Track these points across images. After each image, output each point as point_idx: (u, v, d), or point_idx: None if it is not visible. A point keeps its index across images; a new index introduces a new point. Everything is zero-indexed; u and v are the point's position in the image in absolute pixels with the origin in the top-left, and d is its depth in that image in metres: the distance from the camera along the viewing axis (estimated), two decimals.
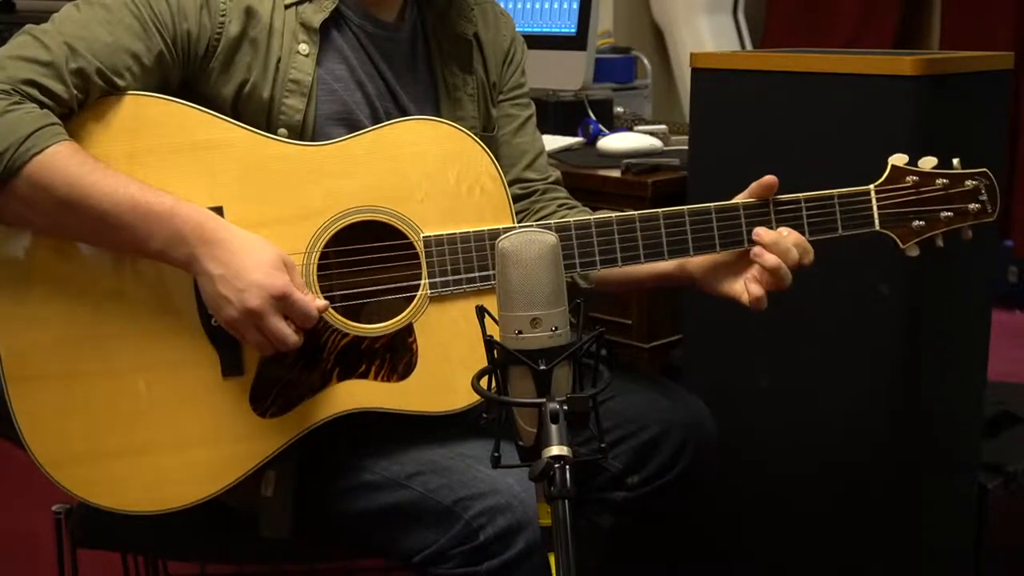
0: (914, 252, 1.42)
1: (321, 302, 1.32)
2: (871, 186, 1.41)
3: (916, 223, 1.41)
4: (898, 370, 1.72)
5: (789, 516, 1.86)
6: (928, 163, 1.42)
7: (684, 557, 1.99)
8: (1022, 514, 2.00)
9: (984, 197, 1.42)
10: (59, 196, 1.26)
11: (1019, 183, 4.07)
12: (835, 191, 1.40)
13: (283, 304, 1.28)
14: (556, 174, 1.67)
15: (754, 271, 1.38)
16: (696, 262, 1.43)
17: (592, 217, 1.42)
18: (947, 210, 1.41)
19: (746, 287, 1.38)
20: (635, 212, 1.39)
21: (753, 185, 1.40)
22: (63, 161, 1.26)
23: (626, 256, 1.39)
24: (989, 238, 1.90)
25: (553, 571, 1.00)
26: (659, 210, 1.39)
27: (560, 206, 1.61)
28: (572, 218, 1.42)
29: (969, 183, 1.41)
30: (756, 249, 1.37)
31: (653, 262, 1.40)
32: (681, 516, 1.89)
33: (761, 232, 1.37)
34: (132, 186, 1.28)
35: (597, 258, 1.39)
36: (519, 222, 1.56)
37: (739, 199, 1.40)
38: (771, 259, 1.35)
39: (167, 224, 1.27)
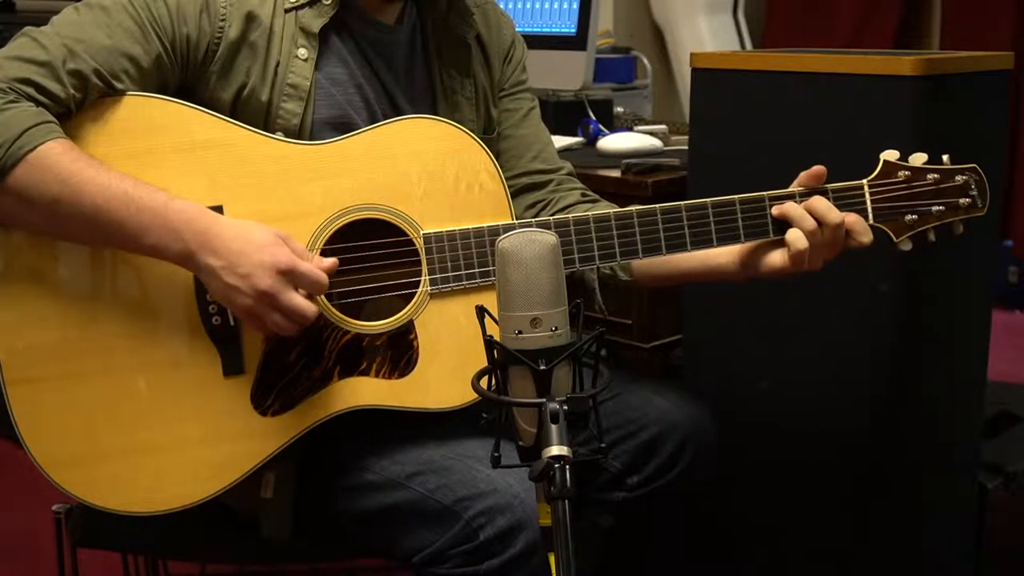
0: (907, 246, 1.44)
1: (328, 262, 1.32)
2: (864, 180, 1.42)
3: (908, 217, 1.43)
4: (898, 370, 1.72)
5: (789, 516, 1.86)
6: (918, 159, 1.44)
7: (684, 557, 1.98)
8: (1022, 514, 2.00)
9: (974, 192, 1.43)
10: (53, 192, 1.25)
11: (1019, 183, 4.07)
12: (829, 185, 1.42)
13: (292, 276, 1.27)
14: (568, 165, 1.66)
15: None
16: (747, 249, 1.44)
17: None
18: (938, 204, 1.43)
19: (787, 244, 1.38)
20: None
21: (802, 175, 1.42)
22: (56, 158, 1.26)
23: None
24: (989, 238, 1.90)
25: (553, 571, 0.99)
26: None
27: (583, 195, 1.61)
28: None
29: (959, 178, 1.43)
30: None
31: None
32: (681, 516, 1.89)
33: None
34: (126, 182, 1.27)
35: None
36: (537, 213, 1.56)
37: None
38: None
39: (161, 219, 1.27)
